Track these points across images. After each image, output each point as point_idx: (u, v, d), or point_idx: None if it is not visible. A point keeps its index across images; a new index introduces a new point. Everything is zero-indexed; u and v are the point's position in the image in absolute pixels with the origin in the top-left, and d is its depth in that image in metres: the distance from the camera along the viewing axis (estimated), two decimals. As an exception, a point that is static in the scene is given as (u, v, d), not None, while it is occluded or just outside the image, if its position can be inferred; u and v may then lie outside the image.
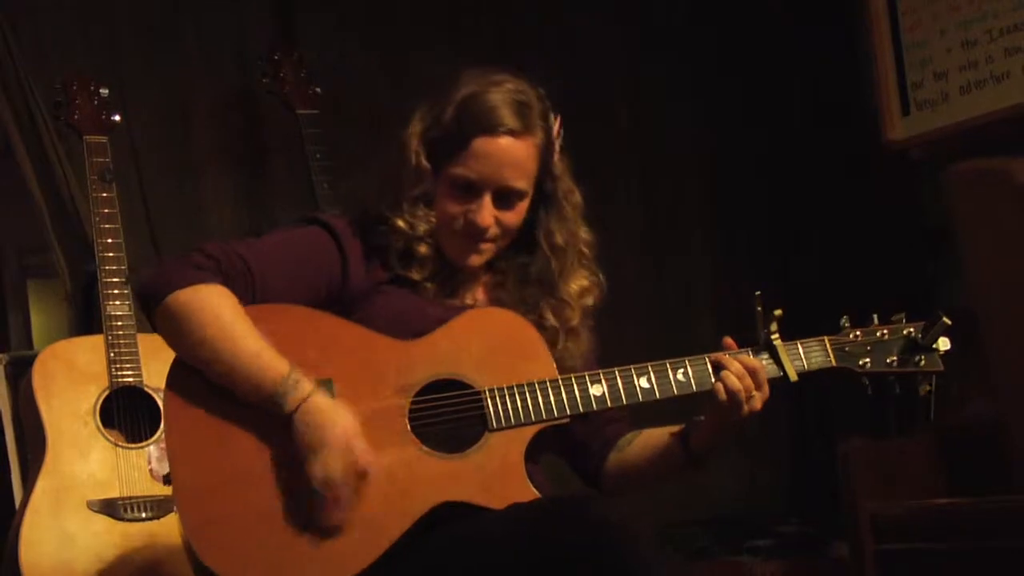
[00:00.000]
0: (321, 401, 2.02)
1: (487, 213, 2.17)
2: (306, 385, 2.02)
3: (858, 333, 2.21)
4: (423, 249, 2.19)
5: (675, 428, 2.22)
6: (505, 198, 2.18)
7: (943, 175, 2.94)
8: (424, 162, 2.19)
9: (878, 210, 4.06)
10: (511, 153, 2.16)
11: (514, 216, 2.21)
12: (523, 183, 2.19)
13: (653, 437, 2.25)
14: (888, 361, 2.20)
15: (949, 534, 2.95)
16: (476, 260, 2.22)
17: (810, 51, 4.20)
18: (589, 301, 2.27)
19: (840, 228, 4.16)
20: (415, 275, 2.19)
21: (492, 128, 2.15)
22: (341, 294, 2.17)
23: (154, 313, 2.09)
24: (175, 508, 2.07)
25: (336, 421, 2.00)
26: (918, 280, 3.90)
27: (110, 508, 2.79)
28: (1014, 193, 2.53)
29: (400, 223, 2.19)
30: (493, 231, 2.19)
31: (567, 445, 2.26)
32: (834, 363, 2.19)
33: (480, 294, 2.29)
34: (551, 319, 2.23)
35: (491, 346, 2.15)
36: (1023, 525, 2.65)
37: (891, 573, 3.04)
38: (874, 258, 4.02)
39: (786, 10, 4.24)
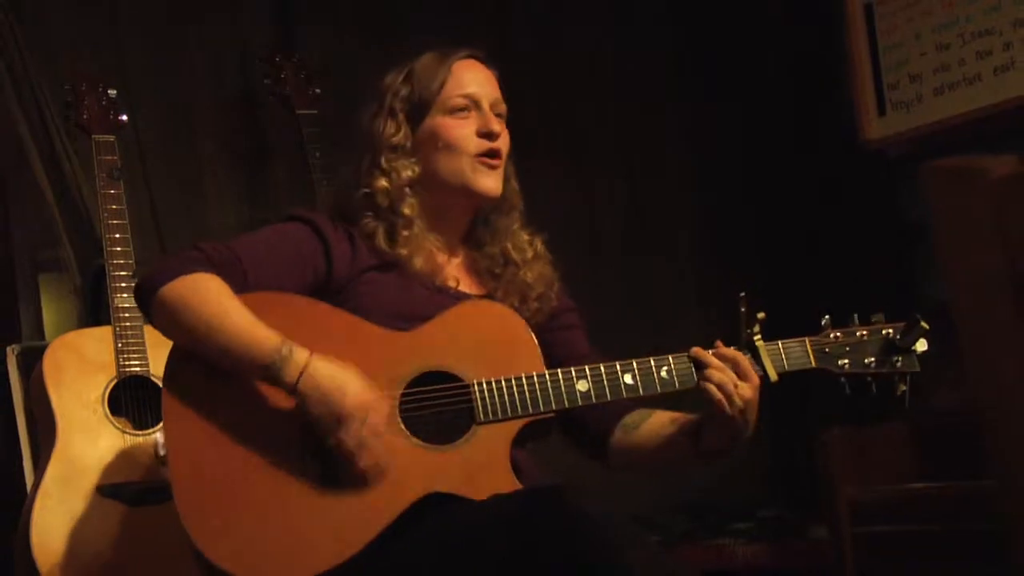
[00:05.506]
0: (322, 367, 2.03)
1: (494, 120, 2.26)
2: (300, 353, 2.03)
3: (838, 334, 2.21)
4: (407, 209, 2.22)
5: (683, 418, 2.21)
6: (497, 113, 2.28)
7: (919, 173, 3.01)
8: (401, 116, 2.26)
9: (857, 208, 4.08)
10: (485, 72, 2.30)
11: (507, 136, 2.29)
12: (503, 101, 2.30)
13: (664, 427, 2.24)
14: (867, 362, 2.20)
15: (923, 517, 3.03)
16: (492, 181, 2.26)
17: (791, 53, 4.24)
18: (539, 243, 2.35)
19: (819, 225, 4.18)
20: (401, 250, 2.21)
21: (464, 55, 2.29)
22: (328, 284, 2.19)
23: (150, 306, 2.12)
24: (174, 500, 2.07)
25: (345, 388, 2.02)
26: (896, 276, 3.92)
27: (118, 492, 2.79)
28: (987, 190, 2.57)
29: (382, 181, 2.23)
30: (500, 142, 2.26)
31: (568, 421, 2.25)
32: (814, 364, 2.19)
33: (460, 271, 2.32)
34: (512, 252, 2.31)
35: (481, 339, 2.16)
36: (993, 508, 2.69)
37: (868, 555, 3.11)
38: (853, 255, 4.04)
39: (772, 14, 4.27)
